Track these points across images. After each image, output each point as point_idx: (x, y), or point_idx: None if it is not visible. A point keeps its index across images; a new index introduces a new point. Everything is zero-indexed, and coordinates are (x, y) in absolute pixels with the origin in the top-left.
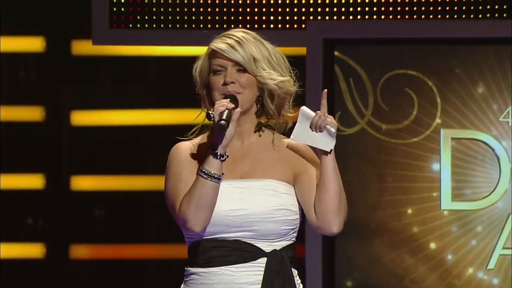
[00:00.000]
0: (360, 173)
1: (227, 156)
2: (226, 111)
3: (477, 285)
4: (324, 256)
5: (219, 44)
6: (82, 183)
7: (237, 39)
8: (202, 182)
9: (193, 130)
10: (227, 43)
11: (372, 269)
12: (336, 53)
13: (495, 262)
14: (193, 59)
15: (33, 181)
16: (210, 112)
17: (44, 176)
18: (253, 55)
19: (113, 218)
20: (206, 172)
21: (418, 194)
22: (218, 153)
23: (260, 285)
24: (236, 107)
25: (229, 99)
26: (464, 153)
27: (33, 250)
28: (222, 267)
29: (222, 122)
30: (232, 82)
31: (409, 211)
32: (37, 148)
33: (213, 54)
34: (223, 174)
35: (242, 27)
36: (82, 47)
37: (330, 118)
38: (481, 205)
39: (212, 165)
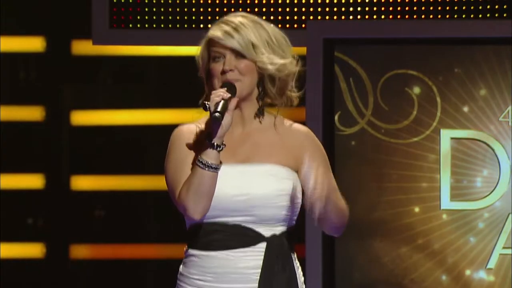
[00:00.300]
0: (360, 173)
1: (224, 145)
2: (222, 101)
3: (477, 285)
4: (324, 256)
5: (216, 31)
6: (82, 183)
7: (234, 25)
8: (200, 172)
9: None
10: (224, 30)
11: (372, 269)
12: (336, 53)
13: (495, 262)
14: (193, 59)
15: (33, 181)
16: (206, 102)
17: (44, 176)
18: (251, 40)
19: (113, 218)
20: (204, 162)
21: (418, 194)
22: (215, 144)
23: (259, 270)
24: (234, 95)
25: (226, 88)
26: (464, 152)
27: (33, 250)
28: (222, 251)
29: (216, 114)
30: (231, 70)
31: (409, 211)
32: (37, 148)
33: (211, 41)
34: (221, 163)
35: None
36: (82, 47)
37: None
38: (481, 205)
39: (209, 155)
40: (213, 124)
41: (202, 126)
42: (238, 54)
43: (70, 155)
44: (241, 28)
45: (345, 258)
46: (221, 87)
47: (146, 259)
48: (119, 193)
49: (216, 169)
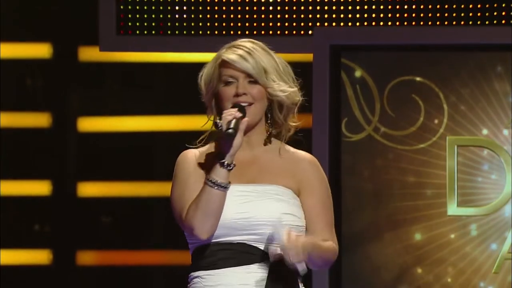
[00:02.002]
0: (366, 180)
1: (234, 165)
2: (234, 120)
3: None
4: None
5: (230, 55)
6: (89, 189)
7: (247, 50)
8: (208, 190)
9: (200, 138)
10: (239, 54)
11: (378, 277)
12: (342, 59)
13: (501, 266)
14: (200, 65)
15: (40, 188)
16: (218, 121)
17: (51, 182)
18: (264, 66)
19: (120, 224)
20: (213, 181)
21: (424, 201)
22: (226, 162)
23: (263, 287)
24: (244, 116)
25: (237, 108)
26: (471, 159)
27: (40, 257)
28: (226, 269)
29: (230, 130)
30: (244, 94)
31: (416, 217)
32: (44, 155)
33: (224, 64)
34: (229, 182)
35: (249, 34)
36: (89, 54)
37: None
38: (487, 210)
39: (219, 174)
40: (225, 142)
41: (207, 151)
42: (251, 79)
43: (77, 162)
44: (254, 53)
45: (352, 265)
46: (231, 108)
47: (153, 265)
48: (126, 199)
49: (225, 188)
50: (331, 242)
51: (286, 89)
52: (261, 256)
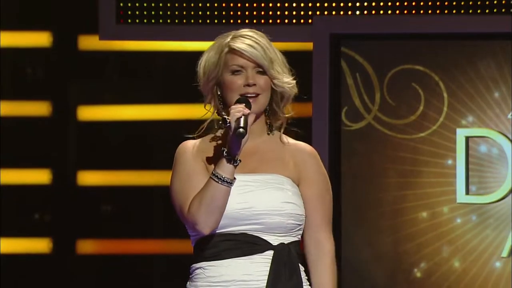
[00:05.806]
0: (366, 168)
1: (240, 160)
2: (243, 117)
3: (487, 275)
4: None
5: (240, 44)
6: (89, 178)
7: (255, 40)
8: (214, 185)
9: (200, 127)
10: (249, 44)
11: (380, 264)
12: (342, 48)
13: (508, 251)
14: (200, 54)
15: (40, 176)
16: (227, 117)
17: (51, 171)
18: (271, 57)
19: (120, 213)
20: (219, 176)
21: (424, 189)
22: (232, 158)
23: (266, 277)
24: (250, 110)
25: (244, 104)
26: (473, 149)
27: (40, 245)
28: (229, 260)
29: (241, 130)
30: (254, 84)
31: (416, 206)
32: (44, 143)
33: (232, 53)
34: (235, 178)
35: (249, 22)
36: (89, 43)
37: None
38: (491, 199)
39: (225, 169)
40: (234, 140)
41: (208, 142)
42: (259, 69)
43: (77, 151)
44: (262, 43)
45: (351, 253)
46: (236, 102)
47: (152, 254)
48: (126, 188)
49: (230, 183)
50: (328, 259)
51: (290, 81)
52: (263, 246)
